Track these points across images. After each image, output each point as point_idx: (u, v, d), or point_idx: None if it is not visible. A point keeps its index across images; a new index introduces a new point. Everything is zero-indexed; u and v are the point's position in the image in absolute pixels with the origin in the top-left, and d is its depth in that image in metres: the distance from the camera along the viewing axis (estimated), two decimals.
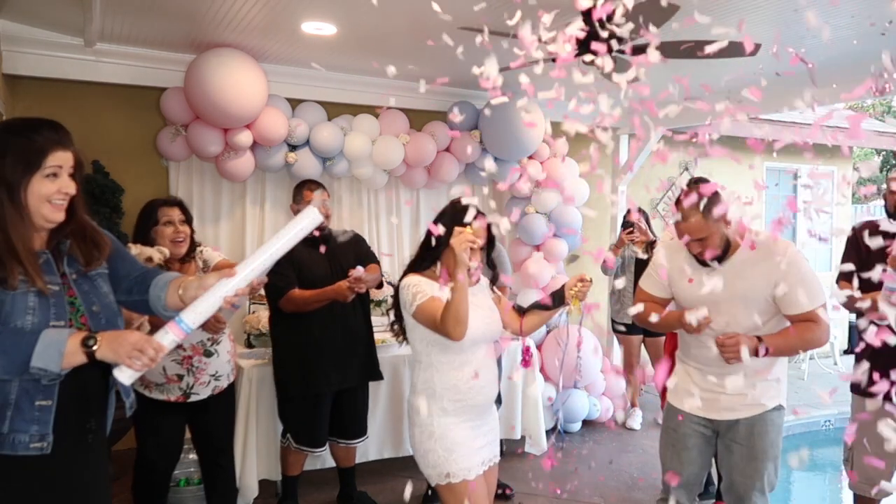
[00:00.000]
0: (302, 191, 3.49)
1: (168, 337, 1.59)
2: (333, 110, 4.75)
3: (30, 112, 4.06)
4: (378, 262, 3.65)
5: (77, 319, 1.67)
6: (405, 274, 2.49)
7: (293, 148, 4.58)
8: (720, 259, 2.46)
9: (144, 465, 2.96)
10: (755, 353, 2.31)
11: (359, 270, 3.27)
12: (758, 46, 2.79)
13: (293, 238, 1.72)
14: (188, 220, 2.95)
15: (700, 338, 2.48)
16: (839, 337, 7.62)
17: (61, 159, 1.62)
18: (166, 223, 2.85)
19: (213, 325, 2.78)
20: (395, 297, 2.51)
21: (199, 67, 3.93)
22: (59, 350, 1.51)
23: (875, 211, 11.13)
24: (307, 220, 1.72)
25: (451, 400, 2.34)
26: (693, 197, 2.30)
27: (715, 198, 2.35)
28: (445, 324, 2.22)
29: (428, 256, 2.48)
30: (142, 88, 4.28)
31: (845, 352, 7.87)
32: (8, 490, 1.59)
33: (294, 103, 4.59)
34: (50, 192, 1.61)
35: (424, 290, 2.35)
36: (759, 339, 2.33)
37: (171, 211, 2.89)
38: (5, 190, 1.57)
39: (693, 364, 2.58)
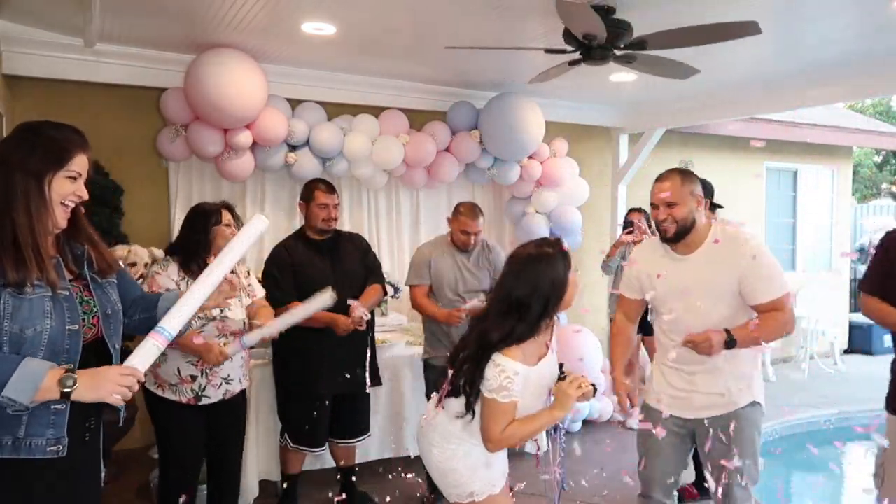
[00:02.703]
0: (313, 190, 3.43)
1: (151, 352, 1.61)
2: (333, 110, 4.75)
3: (29, 113, 4.05)
4: (383, 282, 3.65)
5: (88, 321, 1.68)
6: (503, 343, 2.07)
7: (293, 148, 4.58)
8: (678, 239, 2.52)
9: (173, 465, 2.91)
10: (725, 345, 2.37)
11: (361, 310, 3.28)
12: (754, 25, 2.77)
13: (245, 244, 1.82)
14: (237, 225, 3.03)
15: (674, 337, 2.55)
16: (839, 337, 7.61)
17: (82, 164, 1.65)
18: (227, 224, 2.94)
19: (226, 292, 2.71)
20: (477, 362, 2.10)
21: (199, 68, 3.93)
22: (35, 385, 1.49)
23: (874, 210, 11.13)
24: (254, 228, 1.83)
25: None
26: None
27: (692, 174, 2.54)
28: (502, 441, 2.09)
29: (535, 325, 2.10)
30: (142, 89, 4.28)
31: (845, 351, 7.87)
32: (22, 492, 1.59)
33: (294, 103, 4.59)
34: (66, 193, 1.63)
35: (514, 388, 2.05)
36: (727, 331, 2.39)
37: (227, 215, 2.98)
38: (35, 182, 1.58)
39: (668, 365, 2.61)
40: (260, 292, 3.11)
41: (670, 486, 2.69)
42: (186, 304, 1.71)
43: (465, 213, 3.60)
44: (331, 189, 3.45)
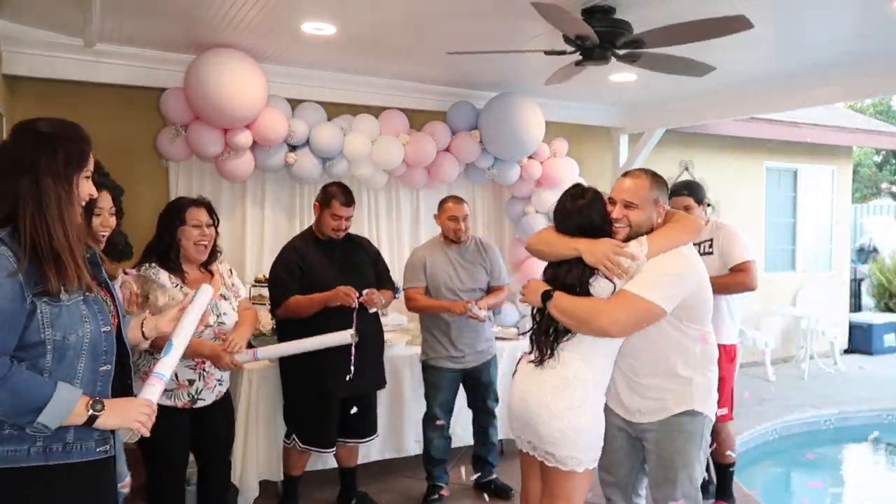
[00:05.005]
0: (331, 199, 3.35)
1: (157, 391, 1.74)
2: (333, 110, 4.75)
3: (29, 113, 4.04)
4: (393, 287, 3.65)
5: (109, 320, 1.70)
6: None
7: (293, 148, 4.58)
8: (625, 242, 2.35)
9: (163, 470, 2.84)
10: (542, 300, 2.30)
11: (376, 296, 3.30)
12: (745, 21, 2.70)
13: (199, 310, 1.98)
14: (215, 223, 2.89)
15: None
16: (839, 336, 7.61)
17: (92, 162, 1.67)
18: (194, 225, 2.79)
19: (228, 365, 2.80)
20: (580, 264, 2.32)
21: (199, 68, 3.93)
22: (68, 410, 1.52)
23: (874, 210, 11.13)
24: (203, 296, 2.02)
25: (605, 386, 2.37)
26: None
27: (662, 180, 2.40)
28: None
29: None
30: (141, 89, 4.28)
31: (845, 351, 7.86)
32: (70, 495, 1.60)
33: (294, 103, 4.59)
34: (85, 193, 1.64)
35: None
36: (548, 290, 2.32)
37: (199, 213, 2.82)
38: (64, 185, 1.57)
39: (618, 365, 2.43)
40: (244, 292, 3.06)
41: (628, 489, 2.52)
42: (179, 340, 1.86)
43: (449, 200, 3.72)
44: (349, 202, 3.38)
